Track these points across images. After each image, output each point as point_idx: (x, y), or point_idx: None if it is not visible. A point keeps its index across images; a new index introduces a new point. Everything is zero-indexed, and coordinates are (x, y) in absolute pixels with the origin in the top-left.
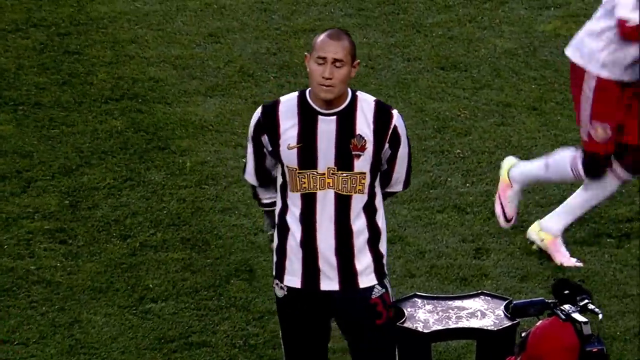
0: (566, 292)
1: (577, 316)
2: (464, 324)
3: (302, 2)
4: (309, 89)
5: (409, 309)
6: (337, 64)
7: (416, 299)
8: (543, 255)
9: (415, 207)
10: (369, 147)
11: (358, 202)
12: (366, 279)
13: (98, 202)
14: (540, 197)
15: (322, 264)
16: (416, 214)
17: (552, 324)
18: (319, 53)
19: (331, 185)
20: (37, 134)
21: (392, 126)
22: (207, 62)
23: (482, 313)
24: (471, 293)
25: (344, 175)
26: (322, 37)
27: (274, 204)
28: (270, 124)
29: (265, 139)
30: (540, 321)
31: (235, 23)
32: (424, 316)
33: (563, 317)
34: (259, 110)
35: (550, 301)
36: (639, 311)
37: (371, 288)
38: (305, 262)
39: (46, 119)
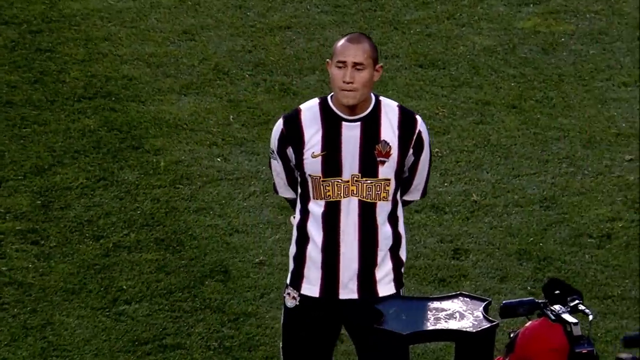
0: (557, 292)
1: (567, 317)
2: (443, 325)
3: None
4: (331, 94)
5: (386, 310)
6: (358, 67)
7: (394, 301)
8: (522, 255)
9: None
10: (394, 153)
11: (382, 209)
12: (385, 287)
13: (71, 202)
14: (520, 196)
15: (342, 273)
16: None
17: (541, 324)
18: (339, 57)
19: (355, 192)
20: (8, 133)
21: (417, 131)
22: (181, 60)
23: (461, 314)
24: (450, 294)
25: (369, 182)
26: (342, 41)
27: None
28: (294, 134)
29: (290, 150)
30: (530, 322)
31: (209, 20)
32: (401, 318)
33: (553, 317)
34: (280, 122)
35: (540, 301)
36: (620, 312)
37: (389, 297)
38: (325, 270)
39: (18, 117)
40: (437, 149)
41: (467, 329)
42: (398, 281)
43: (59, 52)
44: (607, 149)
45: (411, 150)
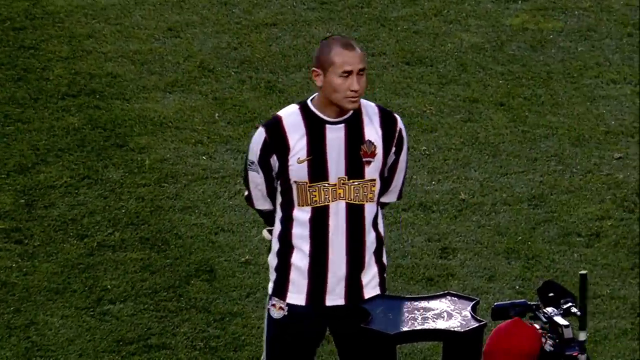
0: (551, 294)
1: (559, 319)
2: (430, 325)
3: None
4: (309, 99)
5: (373, 310)
6: (361, 72)
7: (381, 300)
8: (511, 254)
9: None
10: (379, 152)
11: (369, 211)
12: (371, 291)
13: (54, 201)
14: (508, 195)
15: (330, 279)
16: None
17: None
18: (344, 67)
19: (342, 195)
20: None
21: (398, 129)
22: (166, 57)
23: (449, 314)
24: (437, 293)
25: (356, 183)
26: (337, 49)
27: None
28: (278, 141)
29: (273, 159)
30: (502, 322)
31: (195, 17)
32: (389, 317)
33: (544, 320)
34: (261, 130)
35: (532, 303)
36: (609, 312)
37: None
38: (312, 277)
39: (1, 115)
40: (424, 147)
41: (455, 329)
42: (383, 285)
43: (43, 50)
44: (596, 147)
45: (393, 149)
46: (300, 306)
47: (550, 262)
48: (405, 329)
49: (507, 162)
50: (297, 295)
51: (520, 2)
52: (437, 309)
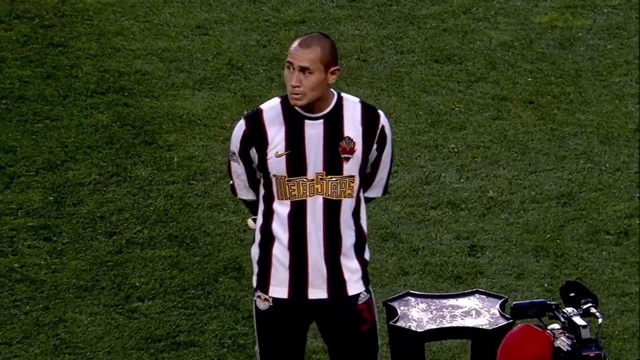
0: (572, 294)
1: (578, 319)
2: (459, 323)
3: None
4: None
5: (402, 308)
6: (305, 72)
7: (409, 298)
8: (539, 252)
9: (409, 203)
10: (358, 148)
11: (347, 207)
12: (354, 285)
13: (83, 198)
14: (537, 192)
15: (311, 272)
16: (409, 210)
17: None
18: (288, 58)
19: (320, 191)
20: (20, 128)
21: (380, 126)
22: (195, 55)
23: (477, 312)
24: (466, 291)
25: (333, 179)
26: (295, 42)
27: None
28: (256, 134)
29: (253, 151)
30: (514, 328)
31: (223, 14)
32: (417, 315)
33: (563, 320)
34: (242, 123)
35: (552, 303)
36: (637, 310)
37: (357, 295)
38: (293, 271)
39: (30, 113)
40: (453, 145)
41: (484, 327)
42: (365, 279)
43: (72, 47)
44: (625, 145)
45: (375, 146)
46: (283, 299)
47: (579, 260)
48: (433, 326)
49: (536, 160)
50: (279, 288)
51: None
52: (466, 306)
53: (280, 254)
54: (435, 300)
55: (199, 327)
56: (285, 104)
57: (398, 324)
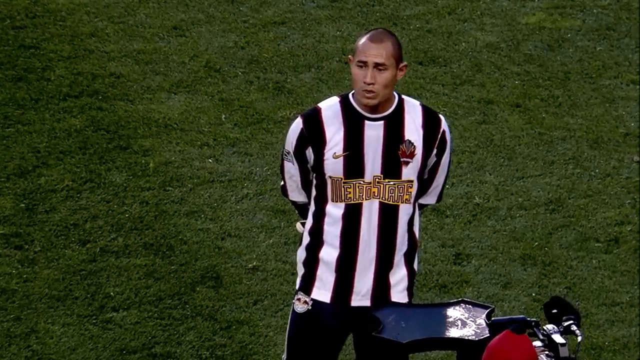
0: (554, 311)
1: (557, 337)
2: (444, 333)
3: None
4: (352, 92)
5: (385, 318)
6: (380, 67)
7: (393, 308)
8: (527, 260)
9: None
10: (418, 153)
11: (404, 213)
12: (398, 295)
13: (56, 205)
14: (524, 199)
15: (357, 279)
16: None
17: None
18: (360, 57)
19: (377, 194)
20: None
21: (441, 131)
22: (171, 57)
23: (463, 322)
24: (451, 301)
25: (391, 183)
26: (364, 39)
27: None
28: (314, 133)
29: (309, 151)
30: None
31: (201, 15)
32: (401, 325)
33: (541, 337)
34: (299, 121)
35: (531, 320)
36: (628, 320)
37: None
38: (339, 275)
39: (0, 117)
40: None
41: (470, 337)
42: (410, 291)
43: (44, 49)
44: (615, 150)
45: (435, 151)
46: (325, 303)
47: (568, 269)
48: (417, 337)
49: (523, 165)
50: (322, 291)
51: (536, 0)
52: (451, 316)
53: (329, 257)
54: (419, 310)
55: (176, 338)
56: (345, 103)
57: (381, 334)
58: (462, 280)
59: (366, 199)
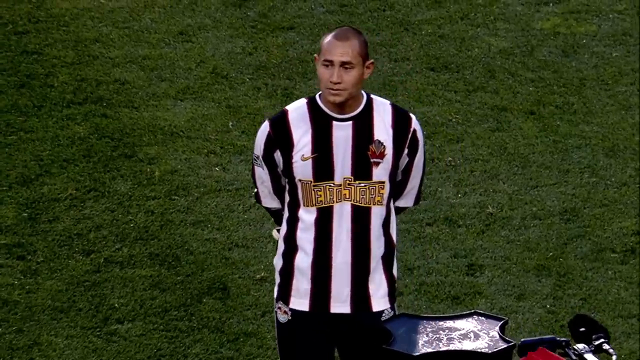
0: (582, 329)
1: (590, 357)
2: (456, 346)
3: None
4: (319, 93)
5: (396, 330)
6: (346, 66)
7: (404, 319)
8: (541, 271)
9: (403, 219)
10: (388, 153)
11: (377, 215)
12: (379, 301)
13: (59, 215)
14: (539, 208)
15: (334, 285)
16: (404, 227)
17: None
18: (325, 56)
19: (347, 197)
20: None
21: (411, 130)
22: (177, 63)
23: (476, 334)
24: (464, 313)
25: (362, 185)
26: (328, 37)
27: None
28: (282, 136)
29: (277, 154)
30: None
31: (207, 20)
32: (412, 338)
33: (574, 357)
34: (266, 124)
35: (561, 339)
36: None
37: (382, 312)
38: (315, 282)
39: (3, 124)
40: (450, 158)
41: (483, 350)
42: (392, 296)
43: (47, 55)
44: (632, 158)
45: (406, 151)
46: (304, 312)
47: (583, 280)
48: (429, 350)
49: (538, 173)
50: (300, 300)
51: (551, 4)
52: (464, 329)
53: (303, 263)
54: (431, 322)
55: (182, 350)
56: (312, 105)
57: (392, 347)
58: (474, 291)
59: (337, 202)
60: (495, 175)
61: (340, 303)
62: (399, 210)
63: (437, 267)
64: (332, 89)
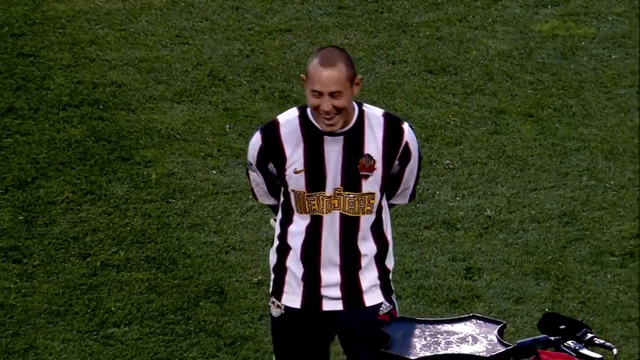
0: (562, 327)
1: (588, 352)
2: (454, 349)
3: None
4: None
5: (394, 333)
6: (335, 94)
7: (402, 323)
8: (540, 275)
9: (401, 222)
10: (378, 167)
11: (366, 222)
12: (372, 296)
13: (55, 218)
14: (537, 211)
15: (324, 283)
16: (402, 230)
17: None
18: (314, 86)
19: (336, 206)
20: None
21: (403, 143)
22: (174, 65)
23: (474, 338)
24: (462, 316)
25: (351, 196)
26: (315, 62)
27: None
28: (273, 150)
29: (270, 165)
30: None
31: (204, 22)
32: (410, 341)
33: (573, 354)
34: (258, 137)
35: (553, 338)
36: None
37: (378, 305)
38: (306, 283)
39: None
40: (448, 161)
41: (481, 354)
42: (386, 289)
43: (43, 57)
44: (631, 161)
45: (397, 162)
46: (296, 309)
47: (582, 283)
48: (427, 354)
49: (536, 176)
50: (292, 297)
51: (550, 7)
52: (462, 332)
53: (294, 266)
54: (429, 325)
55: (179, 354)
56: (304, 119)
57: (390, 350)
58: (473, 295)
59: (327, 212)
60: (494, 178)
61: (331, 301)
62: (393, 205)
63: (435, 270)
64: (326, 118)
